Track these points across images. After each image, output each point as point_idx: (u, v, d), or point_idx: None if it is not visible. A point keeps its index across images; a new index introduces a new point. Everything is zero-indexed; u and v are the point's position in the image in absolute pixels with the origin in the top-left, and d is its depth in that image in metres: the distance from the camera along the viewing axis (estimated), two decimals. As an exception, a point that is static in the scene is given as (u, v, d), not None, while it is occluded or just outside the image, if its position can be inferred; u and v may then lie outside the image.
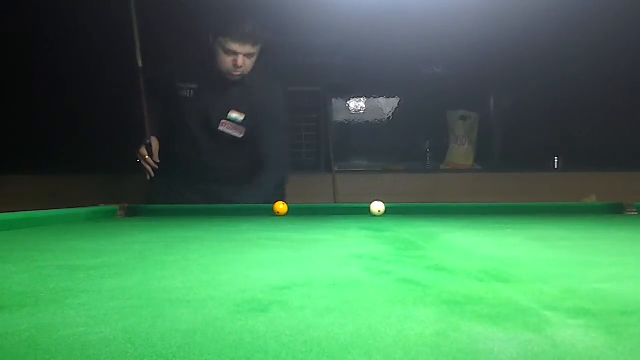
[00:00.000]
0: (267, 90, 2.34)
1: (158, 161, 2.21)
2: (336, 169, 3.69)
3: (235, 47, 2.12)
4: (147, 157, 2.19)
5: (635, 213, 2.04)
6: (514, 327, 0.44)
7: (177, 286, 0.65)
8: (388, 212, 1.99)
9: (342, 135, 3.91)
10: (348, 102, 3.95)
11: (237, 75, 2.20)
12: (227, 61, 2.16)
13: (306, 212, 2.13)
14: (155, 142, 2.22)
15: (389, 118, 3.91)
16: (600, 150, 3.58)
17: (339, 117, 3.93)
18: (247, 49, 2.15)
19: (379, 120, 3.91)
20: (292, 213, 2.06)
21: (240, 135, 2.31)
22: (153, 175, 2.23)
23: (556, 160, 3.82)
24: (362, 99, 3.95)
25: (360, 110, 3.95)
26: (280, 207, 2.05)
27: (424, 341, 0.41)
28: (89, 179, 3.25)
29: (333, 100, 3.91)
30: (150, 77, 2.23)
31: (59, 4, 3.20)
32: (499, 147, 3.94)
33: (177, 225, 1.67)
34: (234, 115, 2.28)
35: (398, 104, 3.93)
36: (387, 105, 3.93)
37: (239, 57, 2.14)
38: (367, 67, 3.77)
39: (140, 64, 2.18)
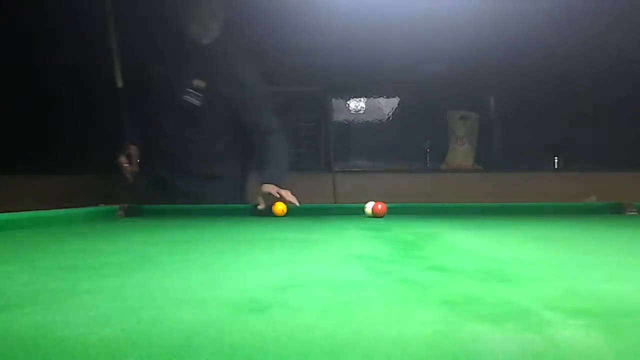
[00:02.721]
0: (239, 65, 2.36)
1: (137, 170, 2.29)
2: (336, 169, 3.69)
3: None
4: (125, 165, 2.27)
5: (635, 213, 2.04)
6: (514, 327, 0.44)
7: (177, 286, 0.65)
8: (388, 212, 1.99)
9: (342, 135, 3.91)
10: (348, 102, 3.95)
11: (207, 38, 2.25)
12: (195, 27, 2.23)
13: (306, 212, 2.13)
14: (134, 150, 2.30)
15: (389, 118, 3.91)
16: (600, 150, 3.58)
17: (339, 117, 3.93)
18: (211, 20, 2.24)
19: (379, 120, 3.91)
20: (292, 213, 2.05)
21: (199, 104, 2.30)
22: (133, 181, 2.30)
23: (556, 160, 3.82)
24: (362, 99, 3.95)
25: (360, 110, 3.95)
26: (279, 207, 2.05)
27: (424, 341, 0.41)
28: (89, 179, 3.25)
29: (333, 100, 3.91)
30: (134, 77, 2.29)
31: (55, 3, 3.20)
32: (499, 147, 3.94)
33: (177, 225, 1.67)
34: (196, 82, 2.29)
35: (398, 104, 3.93)
36: (387, 105, 3.93)
37: (207, 21, 2.23)
38: (367, 67, 3.77)
39: (120, 85, 2.28)
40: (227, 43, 2.33)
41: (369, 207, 1.98)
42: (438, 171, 3.85)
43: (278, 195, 2.09)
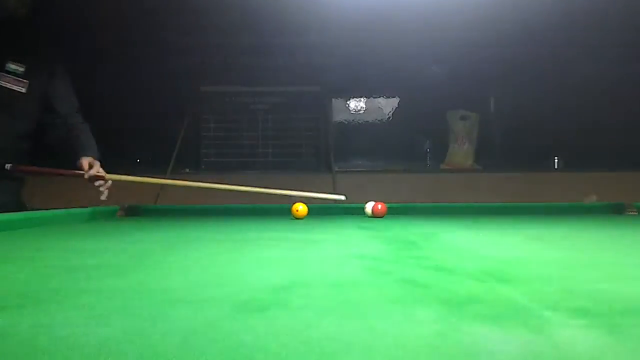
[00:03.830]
0: (53, 53, 2.15)
1: None
2: (336, 169, 3.69)
3: None
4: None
5: (635, 213, 2.04)
6: (514, 327, 0.44)
7: (177, 286, 0.65)
8: (388, 212, 1.99)
9: (342, 135, 3.91)
10: (348, 102, 3.95)
11: (23, 11, 1.98)
12: None
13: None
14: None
15: (389, 118, 3.91)
16: (600, 150, 3.58)
17: (339, 117, 3.93)
18: None
19: (379, 120, 3.92)
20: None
21: (23, 90, 2.01)
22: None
23: (556, 160, 3.82)
24: (362, 99, 3.95)
25: (360, 110, 3.95)
26: (299, 208, 1.98)
27: (424, 341, 0.41)
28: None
29: (333, 100, 3.92)
30: None
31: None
32: (499, 147, 3.94)
33: (177, 225, 1.67)
34: (12, 66, 2.01)
35: (398, 104, 3.93)
36: (387, 105, 3.93)
37: None
38: (367, 67, 3.78)
39: None
40: (38, 27, 2.13)
41: (369, 207, 1.98)
42: (438, 171, 3.85)
43: (99, 173, 1.91)
